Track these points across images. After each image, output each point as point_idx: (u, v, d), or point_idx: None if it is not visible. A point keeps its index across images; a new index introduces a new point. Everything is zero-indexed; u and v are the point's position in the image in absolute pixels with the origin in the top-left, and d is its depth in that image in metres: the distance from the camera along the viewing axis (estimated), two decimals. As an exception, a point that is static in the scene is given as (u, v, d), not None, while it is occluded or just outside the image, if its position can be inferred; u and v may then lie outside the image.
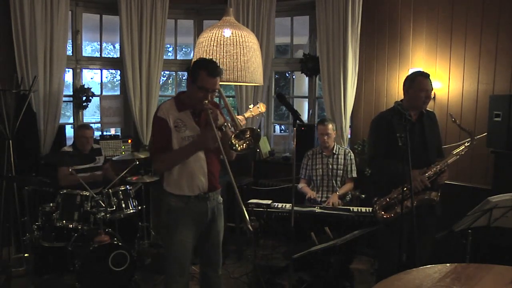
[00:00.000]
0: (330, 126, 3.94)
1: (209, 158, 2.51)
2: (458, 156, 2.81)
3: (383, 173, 2.98)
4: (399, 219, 2.70)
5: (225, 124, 2.41)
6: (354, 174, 3.96)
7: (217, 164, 2.60)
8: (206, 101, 2.37)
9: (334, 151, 3.98)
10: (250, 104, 3.41)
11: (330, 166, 3.94)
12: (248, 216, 2.17)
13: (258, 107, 3.37)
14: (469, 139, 2.84)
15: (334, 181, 3.92)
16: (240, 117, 3.18)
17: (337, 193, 3.80)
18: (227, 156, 2.34)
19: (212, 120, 2.32)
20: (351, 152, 4.04)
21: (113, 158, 4.27)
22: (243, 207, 2.18)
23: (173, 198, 2.50)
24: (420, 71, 2.94)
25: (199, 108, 2.44)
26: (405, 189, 2.74)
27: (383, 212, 2.83)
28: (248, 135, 2.37)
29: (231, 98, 6.05)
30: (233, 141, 2.33)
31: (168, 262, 2.54)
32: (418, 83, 2.79)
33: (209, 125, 2.32)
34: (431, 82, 2.83)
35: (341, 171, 3.95)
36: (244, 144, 2.37)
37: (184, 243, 2.50)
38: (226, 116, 2.66)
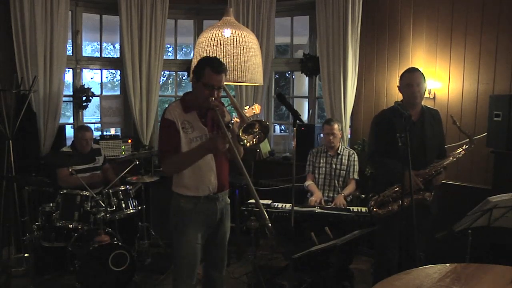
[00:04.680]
0: (335, 126, 3.94)
1: (218, 157, 2.50)
2: (455, 159, 2.82)
3: (381, 171, 2.99)
4: (396, 218, 2.71)
5: (232, 121, 2.41)
6: (356, 176, 3.95)
7: (226, 163, 2.59)
8: (213, 98, 2.37)
9: (339, 151, 3.98)
10: (246, 106, 3.40)
11: (334, 166, 3.94)
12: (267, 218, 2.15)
13: (252, 108, 3.36)
14: (467, 140, 2.84)
15: (336, 181, 3.92)
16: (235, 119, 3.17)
17: (342, 194, 3.80)
18: (234, 154, 2.33)
19: (220, 115, 2.32)
20: (355, 154, 4.03)
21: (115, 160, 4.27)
22: (262, 207, 2.15)
23: (182, 199, 2.49)
24: (407, 68, 2.97)
25: (206, 106, 2.43)
26: (397, 189, 2.76)
27: (377, 209, 2.85)
28: (257, 129, 2.34)
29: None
30: (241, 135, 2.32)
31: (177, 263, 2.53)
32: (405, 79, 2.86)
33: (220, 128, 2.31)
34: (422, 75, 2.85)
35: (344, 172, 3.95)
36: (254, 140, 2.34)
37: (193, 244, 2.49)
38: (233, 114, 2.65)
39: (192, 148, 2.42)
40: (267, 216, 2.13)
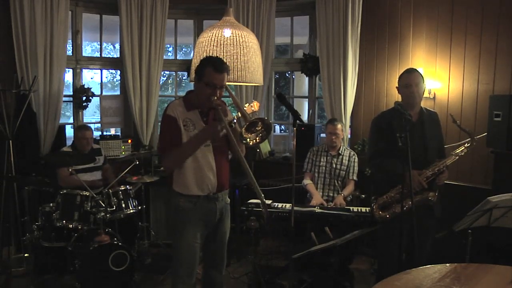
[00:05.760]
0: (339, 126, 3.96)
1: (217, 157, 2.50)
2: (457, 157, 2.80)
3: (382, 172, 2.98)
4: (398, 219, 2.71)
5: (234, 121, 2.41)
6: (355, 177, 3.96)
7: (226, 163, 2.60)
8: (215, 98, 2.37)
9: (340, 152, 3.99)
10: (246, 104, 3.40)
11: (334, 166, 3.95)
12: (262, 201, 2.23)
13: (251, 106, 3.35)
14: (469, 139, 2.83)
15: (336, 181, 3.93)
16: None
17: (342, 194, 3.81)
18: (237, 152, 2.33)
19: (222, 114, 2.32)
20: (356, 155, 4.04)
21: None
22: (259, 188, 2.21)
23: (181, 198, 2.49)
24: (406, 69, 2.95)
25: (208, 105, 2.44)
26: (400, 190, 2.75)
27: (380, 211, 2.84)
28: (259, 127, 2.33)
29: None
30: (244, 134, 2.31)
31: (176, 262, 2.53)
32: (403, 80, 2.85)
33: (218, 116, 2.32)
34: (420, 76, 2.83)
35: (344, 172, 3.95)
36: (257, 138, 2.33)
37: (192, 244, 2.49)
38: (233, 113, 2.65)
39: (189, 139, 2.41)
40: (264, 200, 2.24)
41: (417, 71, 2.87)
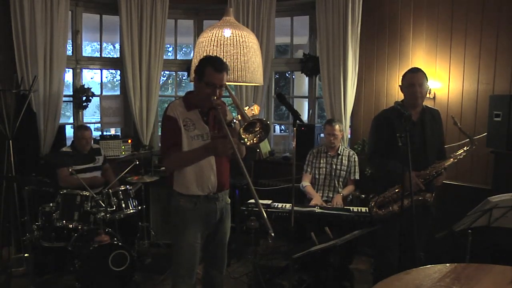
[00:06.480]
0: (337, 127, 3.96)
1: (218, 157, 2.49)
2: (455, 160, 2.81)
3: (381, 171, 2.99)
4: (397, 219, 2.71)
5: (234, 121, 2.41)
6: (357, 177, 3.97)
7: (227, 163, 2.60)
8: (215, 97, 2.38)
9: (339, 152, 3.99)
10: (245, 106, 3.40)
11: (334, 166, 3.95)
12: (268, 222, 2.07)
13: (251, 109, 3.35)
14: (467, 140, 2.84)
15: (336, 182, 3.93)
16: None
17: (341, 194, 3.81)
18: (236, 154, 2.33)
19: (222, 115, 2.32)
20: (355, 154, 4.04)
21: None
22: (263, 211, 2.09)
23: (182, 198, 2.49)
24: (410, 68, 2.95)
25: (208, 105, 2.44)
26: (398, 189, 2.76)
27: (377, 209, 2.85)
28: (258, 128, 2.34)
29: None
30: (242, 134, 2.32)
31: (176, 262, 2.53)
32: (407, 79, 2.84)
33: (222, 127, 2.31)
34: (424, 75, 2.82)
35: (344, 172, 3.95)
36: (255, 139, 2.34)
37: (192, 244, 2.49)
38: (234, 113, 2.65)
39: (195, 148, 2.42)
40: (269, 224, 2.05)
41: (421, 70, 2.85)
